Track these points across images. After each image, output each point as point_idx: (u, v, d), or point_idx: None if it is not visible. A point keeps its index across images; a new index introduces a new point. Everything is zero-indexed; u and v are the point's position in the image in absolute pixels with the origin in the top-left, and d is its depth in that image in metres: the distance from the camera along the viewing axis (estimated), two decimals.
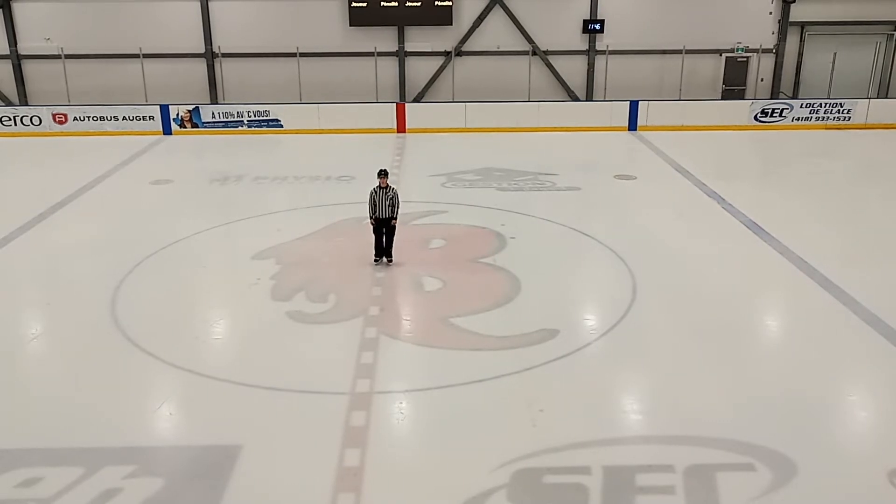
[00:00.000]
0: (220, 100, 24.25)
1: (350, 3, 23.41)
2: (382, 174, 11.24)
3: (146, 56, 23.31)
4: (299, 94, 23.68)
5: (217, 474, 6.66)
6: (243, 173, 17.67)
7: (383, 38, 24.05)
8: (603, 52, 24.27)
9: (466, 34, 24.12)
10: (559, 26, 24.23)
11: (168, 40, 23.78)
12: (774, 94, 24.82)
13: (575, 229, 13.40)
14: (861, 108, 22.66)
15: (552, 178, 17.02)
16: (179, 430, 7.56)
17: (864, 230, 13.45)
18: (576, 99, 24.60)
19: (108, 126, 22.22)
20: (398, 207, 11.29)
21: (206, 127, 22.48)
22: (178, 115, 22.42)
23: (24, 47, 23.87)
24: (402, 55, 24.35)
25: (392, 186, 11.31)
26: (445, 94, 24.29)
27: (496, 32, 24.20)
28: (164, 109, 22.36)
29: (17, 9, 23.62)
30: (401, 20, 23.78)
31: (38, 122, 22.22)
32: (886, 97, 24.61)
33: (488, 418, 7.50)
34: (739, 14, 24.22)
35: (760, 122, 22.74)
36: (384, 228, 11.35)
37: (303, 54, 23.60)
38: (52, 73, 23.66)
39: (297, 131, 22.44)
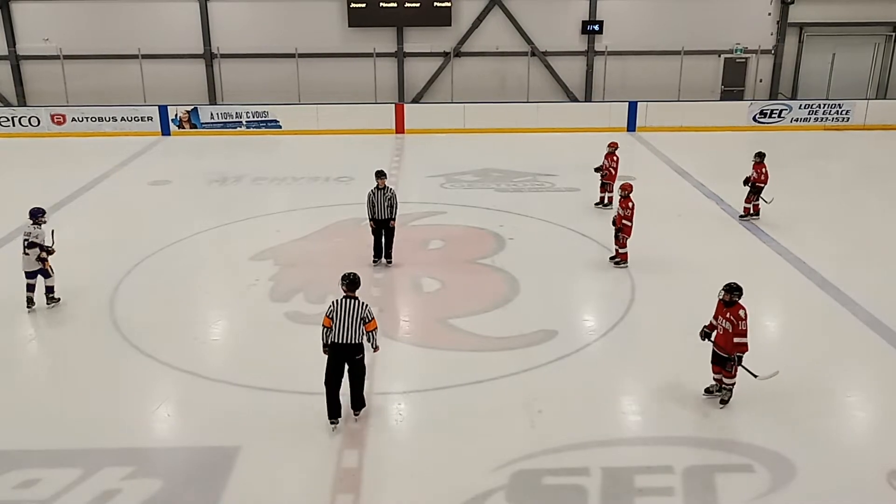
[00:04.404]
0: (218, 100, 24.21)
1: (349, 4, 23.40)
2: (381, 175, 11.24)
3: (145, 57, 23.27)
4: (298, 95, 23.65)
5: (215, 475, 6.66)
6: (242, 174, 17.66)
7: (382, 39, 24.02)
8: (602, 53, 24.26)
9: (465, 35, 24.10)
10: (558, 27, 24.21)
11: (167, 41, 23.74)
12: (773, 95, 24.81)
13: (574, 230, 13.40)
14: (860, 109, 22.66)
15: (551, 178, 17.02)
16: (178, 431, 7.57)
17: (863, 231, 13.46)
18: (574, 100, 24.59)
19: (106, 127, 22.17)
20: (396, 208, 11.29)
21: (204, 128, 22.45)
22: (176, 115, 22.40)
23: (23, 48, 23.82)
24: (400, 56, 24.33)
25: (390, 187, 11.31)
26: (444, 95, 24.27)
27: (495, 33, 24.18)
28: (163, 110, 22.33)
29: (16, 9, 23.59)
30: (400, 21, 23.76)
31: (36, 123, 22.17)
32: (885, 98, 24.61)
33: (487, 419, 7.50)
34: (738, 15, 24.21)
35: (759, 123, 22.74)
36: (383, 229, 11.35)
37: (302, 55, 23.57)
38: (50, 74, 23.60)
39: (296, 132, 22.40)
